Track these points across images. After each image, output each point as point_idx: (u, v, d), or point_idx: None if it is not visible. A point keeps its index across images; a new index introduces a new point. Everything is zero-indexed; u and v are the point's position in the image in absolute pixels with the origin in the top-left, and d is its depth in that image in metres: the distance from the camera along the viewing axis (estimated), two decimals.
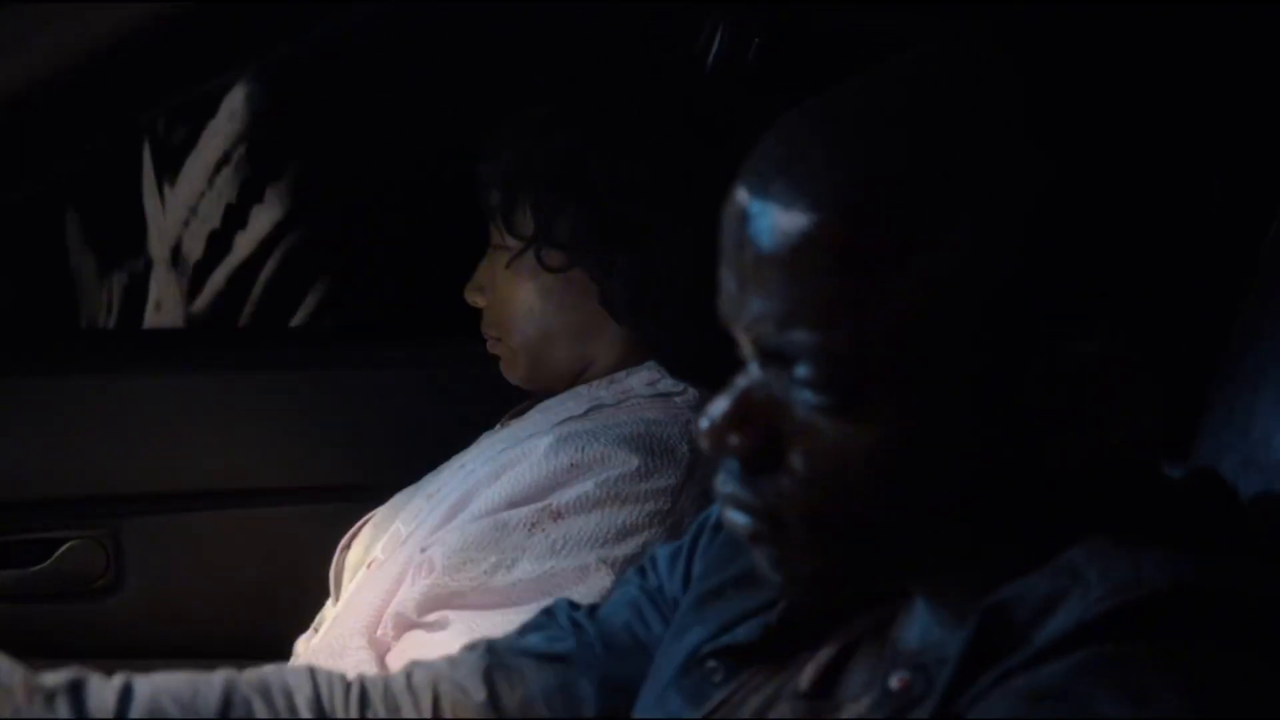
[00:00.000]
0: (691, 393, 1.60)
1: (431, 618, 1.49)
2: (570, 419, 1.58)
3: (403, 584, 1.54)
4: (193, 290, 2.27)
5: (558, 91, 1.60)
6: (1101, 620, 0.80)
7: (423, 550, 1.53)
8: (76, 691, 1.07)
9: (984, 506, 0.85)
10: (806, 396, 0.84)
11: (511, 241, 1.59)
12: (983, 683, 0.81)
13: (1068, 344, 0.82)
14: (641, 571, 1.18)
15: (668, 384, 1.60)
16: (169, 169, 2.29)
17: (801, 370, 0.84)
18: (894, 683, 0.90)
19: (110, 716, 1.06)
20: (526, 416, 1.65)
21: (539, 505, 1.50)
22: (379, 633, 1.53)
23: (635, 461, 1.51)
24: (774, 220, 0.83)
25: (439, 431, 1.79)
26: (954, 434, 0.83)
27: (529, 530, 1.49)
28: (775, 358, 0.85)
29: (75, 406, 1.89)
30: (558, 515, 1.50)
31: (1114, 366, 0.82)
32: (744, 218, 0.85)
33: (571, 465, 1.51)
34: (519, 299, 1.60)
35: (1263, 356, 1.16)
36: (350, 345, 2.11)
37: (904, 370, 0.82)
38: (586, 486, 1.50)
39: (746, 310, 0.85)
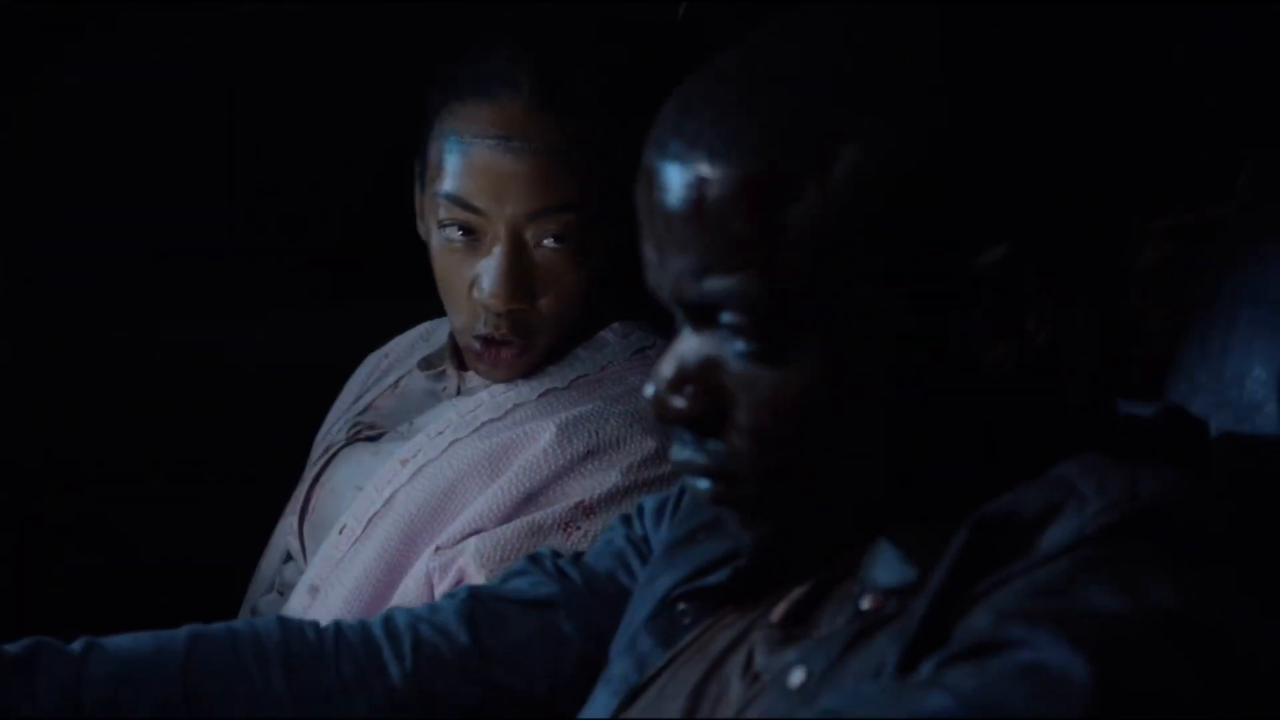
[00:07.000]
0: (661, 345, 1.57)
1: None
2: (554, 390, 1.56)
3: (412, 583, 1.50)
4: None
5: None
6: (1101, 533, 0.81)
7: (436, 550, 1.50)
8: (34, 659, 1.08)
9: (929, 433, 0.86)
10: (738, 347, 0.86)
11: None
12: (977, 590, 0.82)
13: (975, 252, 0.83)
14: (627, 521, 1.19)
15: (639, 337, 1.59)
16: None
17: (726, 317, 0.85)
18: (865, 603, 0.92)
19: (69, 682, 1.07)
20: (505, 386, 1.58)
21: (570, 504, 1.49)
22: None
23: (651, 444, 1.50)
24: (675, 179, 0.85)
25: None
26: (882, 358, 0.84)
27: (564, 530, 1.48)
28: (702, 314, 0.87)
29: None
30: (590, 511, 1.49)
31: (1025, 271, 0.84)
32: (650, 185, 0.87)
33: (588, 452, 1.51)
34: (578, 288, 1.52)
35: (1236, 295, 1.15)
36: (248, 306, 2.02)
37: (820, 300, 0.83)
38: (613, 477, 1.49)
39: (668, 273, 0.87)
